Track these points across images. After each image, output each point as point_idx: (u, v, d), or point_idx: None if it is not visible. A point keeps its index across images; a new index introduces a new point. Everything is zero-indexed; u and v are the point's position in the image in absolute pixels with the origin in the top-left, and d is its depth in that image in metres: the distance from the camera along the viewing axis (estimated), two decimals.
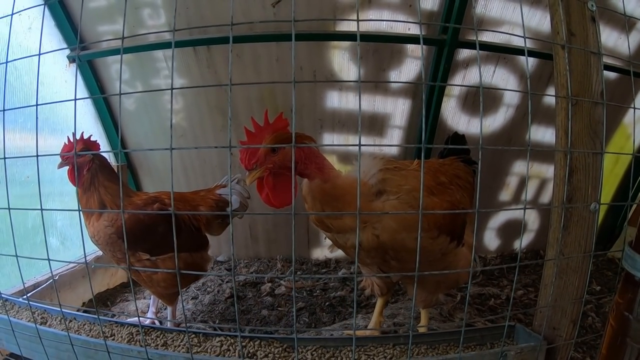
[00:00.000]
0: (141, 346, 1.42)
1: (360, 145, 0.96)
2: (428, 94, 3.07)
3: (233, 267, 1.14)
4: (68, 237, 3.04)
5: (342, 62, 3.03)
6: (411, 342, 1.53)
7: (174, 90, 3.15)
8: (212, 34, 2.87)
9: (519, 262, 1.29)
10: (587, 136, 1.34)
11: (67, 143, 2.16)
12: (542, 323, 1.45)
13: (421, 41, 0.98)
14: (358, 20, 1.00)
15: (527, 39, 2.80)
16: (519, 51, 2.95)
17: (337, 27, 2.92)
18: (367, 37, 2.89)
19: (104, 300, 3.00)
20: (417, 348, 1.51)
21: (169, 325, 2.35)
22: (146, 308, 2.74)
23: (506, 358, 1.36)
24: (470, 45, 2.92)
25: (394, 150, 3.36)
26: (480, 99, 1.05)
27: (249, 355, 1.42)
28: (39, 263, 2.64)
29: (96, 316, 1.64)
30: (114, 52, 3.03)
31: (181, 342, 1.55)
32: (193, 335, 1.56)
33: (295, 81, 0.95)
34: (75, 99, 1.30)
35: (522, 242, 3.92)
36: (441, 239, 1.73)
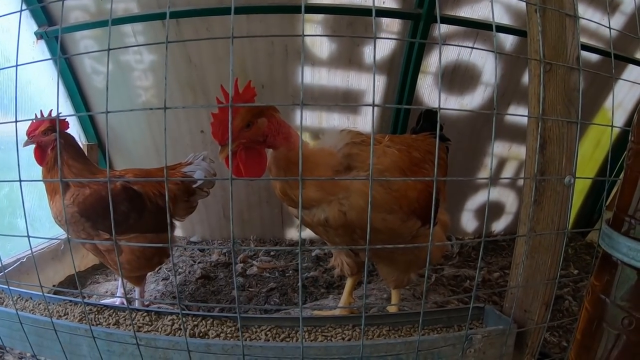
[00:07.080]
0: (90, 325, 1.35)
1: (302, 104, 0.88)
2: (403, 69, 2.97)
3: (170, 241, 1.06)
4: (37, 219, 2.97)
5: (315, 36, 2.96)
6: (370, 323, 1.47)
7: (144, 67, 3.05)
8: (180, 6, 2.76)
9: (484, 237, 1.22)
10: (562, 104, 1.26)
11: (34, 121, 2.09)
12: (512, 305, 1.38)
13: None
14: None
15: (504, 15, 2.78)
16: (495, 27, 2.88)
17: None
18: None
19: (74, 282, 2.93)
20: (379, 329, 1.45)
21: (137, 305, 2.30)
22: (115, 290, 2.69)
23: (471, 342, 1.29)
24: (448, 20, 2.83)
25: (368, 126, 3.26)
26: (439, 57, 0.97)
27: (201, 334, 1.36)
28: (7, 246, 2.61)
29: (42, 294, 1.57)
30: (80, 27, 2.93)
31: (133, 320, 1.48)
32: (145, 314, 1.51)
33: (234, 36, 0.87)
34: (17, 65, 1.32)
35: (501, 224, 3.90)
36: (411, 222, 1.69)
